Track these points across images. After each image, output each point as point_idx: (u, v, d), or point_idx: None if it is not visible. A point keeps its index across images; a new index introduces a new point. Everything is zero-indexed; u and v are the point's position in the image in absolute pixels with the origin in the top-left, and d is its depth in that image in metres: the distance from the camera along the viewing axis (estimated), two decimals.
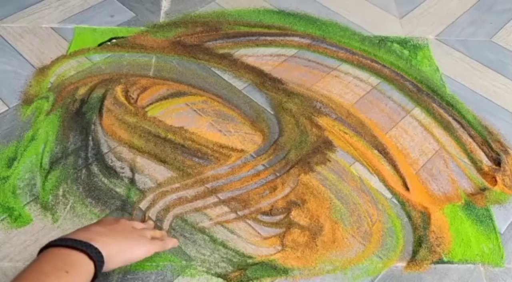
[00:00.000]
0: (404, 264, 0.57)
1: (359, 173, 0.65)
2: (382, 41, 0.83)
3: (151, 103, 0.70)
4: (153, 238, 0.52)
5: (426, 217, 0.60)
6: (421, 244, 0.58)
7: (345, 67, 0.78)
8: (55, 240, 0.45)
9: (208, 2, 0.89)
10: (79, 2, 0.87)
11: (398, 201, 0.62)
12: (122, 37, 0.80)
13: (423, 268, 0.56)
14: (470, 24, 0.89)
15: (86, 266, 0.43)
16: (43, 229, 0.56)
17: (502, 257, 0.57)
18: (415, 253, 0.57)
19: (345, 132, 0.69)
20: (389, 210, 0.61)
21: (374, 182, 0.64)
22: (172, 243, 0.55)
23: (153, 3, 0.88)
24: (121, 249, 0.48)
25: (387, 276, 0.55)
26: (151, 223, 0.58)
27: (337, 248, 0.57)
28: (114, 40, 0.80)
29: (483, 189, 0.63)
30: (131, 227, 0.52)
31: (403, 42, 0.83)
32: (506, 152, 0.67)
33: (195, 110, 0.70)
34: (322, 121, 0.70)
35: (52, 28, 0.82)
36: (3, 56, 0.77)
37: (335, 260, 0.56)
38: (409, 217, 0.61)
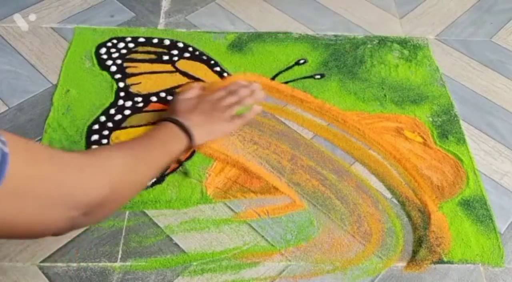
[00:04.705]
0: (404, 264, 0.57)
1: (359, 173, 0.65)
2: (382, 41, 0.83)
3: None
4: (233, 116, 0.64)
5: (426, 217, 0.60)
6: (421, 244, 0.58)
7: None
8: (163, 119, 0.61)
9: (208, 2, 0.89)
10: (79, 2, 0.87)
11: (398, 201, 0.62)
12: (123, 38, 0.80)
13: (423, 268, 0.56)
14: (470, 24, 0.89)
15: (182, 137, 0.58)
16: None
17: (502, 257, 0.57)
18: (415, 253, 0.57)
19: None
20: (389, 210, 0.61)
21: (374, 182, 0.64)
22: (253, 114, 0.66)
23: (153, 3, 0.88)
24: (204, 128, 0.61)
25: (387, 276, 0.55)
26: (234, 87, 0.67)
27: (337, 248, 0.57)
28: (114, 40, 0.80)
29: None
30: (212, 104, 0.64)
31: (403, 42, 0.83)
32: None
33: None
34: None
35: (52, 28, 0.82)
36: (3, 56, 0.77)
37: (335, 260, 0.56)
38: (409, 217, 0.61)
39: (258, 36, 0.83)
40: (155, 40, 0.80)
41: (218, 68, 0.77)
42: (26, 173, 0.35)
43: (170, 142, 0.57)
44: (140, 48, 0.79)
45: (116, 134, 0.67)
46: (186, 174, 0.62)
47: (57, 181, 0.38)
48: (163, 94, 0.72)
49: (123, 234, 0.57)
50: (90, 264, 0.54)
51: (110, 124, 0.68)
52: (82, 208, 0.41)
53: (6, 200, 0.33)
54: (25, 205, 0.35)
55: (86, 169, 0.43)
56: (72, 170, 0.41)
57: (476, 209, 0.62)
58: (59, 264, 0.54)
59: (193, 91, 0.68)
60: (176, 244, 0.57)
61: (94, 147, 0.65)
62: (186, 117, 0.60)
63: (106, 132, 0.67)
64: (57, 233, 0.41)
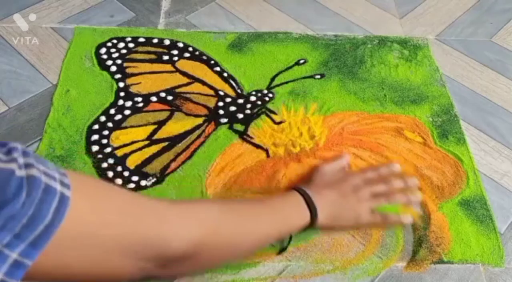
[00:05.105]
0: (404, 264, 0.57)
1: None
2: (382, 41, 0.83)
3: None
4: (374, 211, 0.54)
5: (426, 217, 0.60)
6: (421, 244, 0.58)
7: None
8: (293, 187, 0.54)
9: (208, 2, 0.89)
10: (79, 2, 0.87)
11: None
12: (123, 38, 0.80)
13: (423, 268, 0.56)
14: (470, 24, 0.89)
15: (303, 212, 0.51)
16: None
17: (502, 257, 0.57)
18: (415, 253, 0.57)
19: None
20: None
21: None
22: (399, 220, 0.55)
23: (153, 3, 0.88)
24: (334, 210, 0.53)
25: (387, 276, 0.55)
26: (398, 183, 0.56)
27: (337, 248, 0.57)
28: (114, 40, 0.80)
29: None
30: (355, 187, 0.55)
31: (403, 42, 0.83)
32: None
33: None
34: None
35: (52, 28, 0.82)
36: (3, 56, 0.77)
37: (335, 260, 0.56)
38: None
39: (258, 36, 0.83)
40: (155, 40, 0.80)
41: (218, 68, 0.77)
42: (89, 218, 0.32)
43: (288, 214, 0.50)
44: (140, 48, 0.79)
45: (116, 134, 0.67)
46: (281, 249, 0.56)
47: (127, 228, 0.35)
48: (163, 94, 0.72)
49: None
50: None
51: (110, 124, 0.68)
52: (156, 259, 0.37)
53: (65, 245, 0.30)
54: (88, 252, 0.33)
55: (166, 218, 0.39)
56: (149, 218, 0.37)
57: (476, 209, 0.62)
58: None
59: (341, 162, 0.61)
60: None
61: (94, 147, 0.65)
62: (318, 192, 0.53)
63: (106, 132, 0.67)
64: (131, 281, 0.38)
